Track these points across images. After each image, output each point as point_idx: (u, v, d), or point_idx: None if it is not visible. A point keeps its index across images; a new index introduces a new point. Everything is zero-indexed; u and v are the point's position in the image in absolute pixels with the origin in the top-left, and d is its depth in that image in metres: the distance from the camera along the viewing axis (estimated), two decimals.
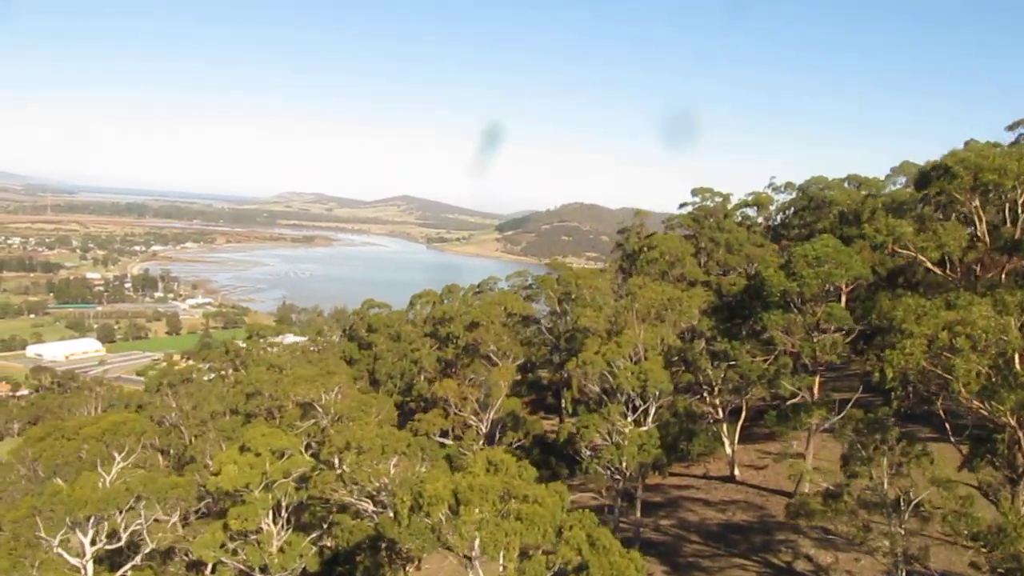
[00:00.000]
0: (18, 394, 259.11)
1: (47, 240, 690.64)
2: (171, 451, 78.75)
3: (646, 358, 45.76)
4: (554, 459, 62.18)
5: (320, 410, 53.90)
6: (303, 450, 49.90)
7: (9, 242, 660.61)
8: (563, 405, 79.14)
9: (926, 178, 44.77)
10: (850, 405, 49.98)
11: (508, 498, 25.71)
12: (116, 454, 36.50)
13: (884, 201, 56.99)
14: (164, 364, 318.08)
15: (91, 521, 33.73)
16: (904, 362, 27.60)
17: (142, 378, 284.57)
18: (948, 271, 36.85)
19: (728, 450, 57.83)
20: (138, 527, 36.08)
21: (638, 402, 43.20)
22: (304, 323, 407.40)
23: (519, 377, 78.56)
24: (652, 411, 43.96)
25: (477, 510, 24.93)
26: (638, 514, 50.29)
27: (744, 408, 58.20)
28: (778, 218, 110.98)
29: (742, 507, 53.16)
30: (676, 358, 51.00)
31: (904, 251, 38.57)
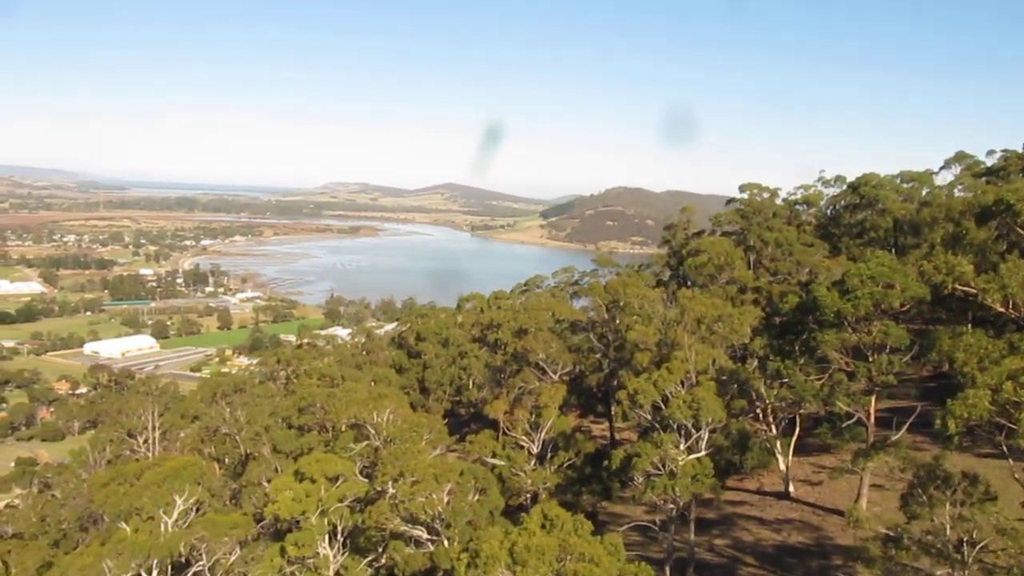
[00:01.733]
0: (77, 392, 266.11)
1: (100, 237, 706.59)
2: (226, 460, 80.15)
3: (698, 383, 45.35)
4: (606, 473, 61.98)
5: (372, 431, 54.37)
6: (357, 472, 50.41)
7: (65, 240, 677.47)
8: (612, 413, 78.90)
9: (986, 213, 43.64)
10: (907, 425, 49.34)
11: (564, 557, 25.72)
12: (177, 498, 37.31)
13: (940, 213, 55.60)
14: (217, 360, 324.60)
15: (155, 563, 34.58)
16: (968, 414, 27.05)
17: (196, 374, 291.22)
18: (1011, 309, 35.88)
19: (782, 466, 57.23)
20: (200, 568, 36.92)
21: (691, 430, 42.89)
22: (352, 315, 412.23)
23: (567, 381, 78.53)
24: (705, 438, 43.63)
25: (533, 571, 24.98)
26: (692, 535, 49.95)
27: (798, 424, 57.51)
28: (828, 212, 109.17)
29: (797, 527, 52.64)
30: (727, 377, 50.45)
31: (965, 289, 37.63)
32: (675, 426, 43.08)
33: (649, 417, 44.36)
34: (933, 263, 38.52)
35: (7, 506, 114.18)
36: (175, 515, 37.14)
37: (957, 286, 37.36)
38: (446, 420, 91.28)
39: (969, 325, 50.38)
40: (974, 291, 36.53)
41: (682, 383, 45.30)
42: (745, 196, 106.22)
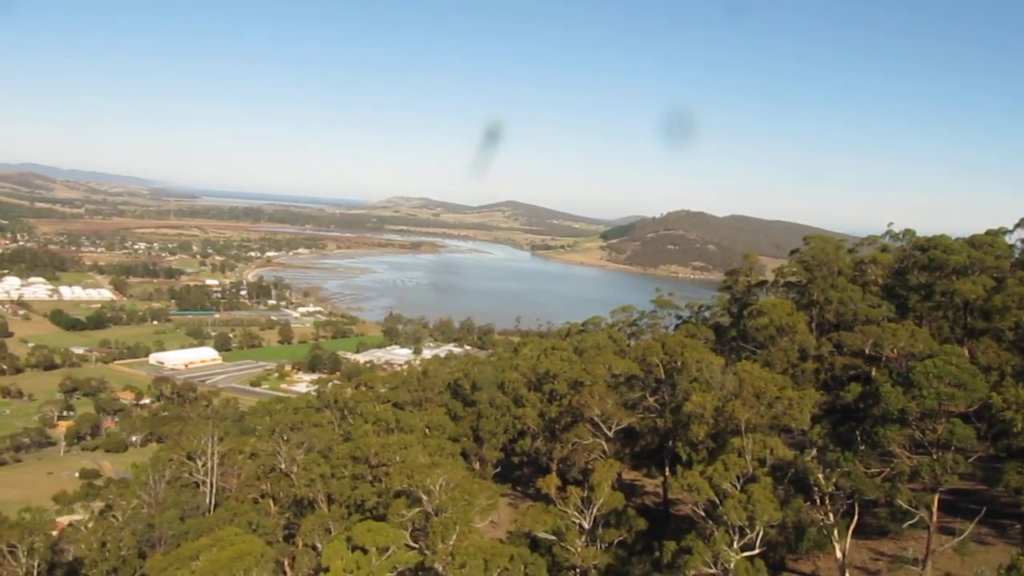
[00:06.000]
0: (141, 403, 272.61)
1: (170, 246, 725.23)
2: (280, 496, 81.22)
3: (754, 476, 44.67)
4: (656, 544, 61.34)
5: (425, 496, 54.61)
6: (409, 538, 50.75)
7: (136, 247, 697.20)
8: (666, 474, 78.12)
9: None
10: (976, 521, 47.91)
11: None
12: None
13: (1012, 302, 53.88)
14: (276, 375, 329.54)
15: None
16: None
17: (255, 389, 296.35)
18: None
19: (838, 554, 55.78)
20: None
21: (746, 529, 42.20)
22: (410, 334, 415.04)
23: (621, 435, 78.11)
24: (760, 535, 42.86)
25: None
26: None
27: (856, 510, 56.12)
28: (895, 267, 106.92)
29: None
30: (784, 468, 49.50)
31: None
32: (729, 523, 42.46)
33: (703, 513, 43.81)
34: (1003, 396, 37.40)
35: (70, 524, 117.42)
36: None
37: None
38: (499, 467, 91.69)
39: None
40: None
41: (738, 477, 44.67)
42: (809, 246, 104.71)
